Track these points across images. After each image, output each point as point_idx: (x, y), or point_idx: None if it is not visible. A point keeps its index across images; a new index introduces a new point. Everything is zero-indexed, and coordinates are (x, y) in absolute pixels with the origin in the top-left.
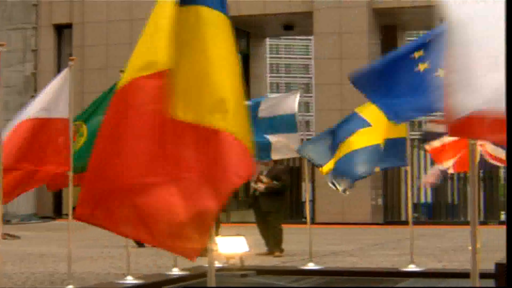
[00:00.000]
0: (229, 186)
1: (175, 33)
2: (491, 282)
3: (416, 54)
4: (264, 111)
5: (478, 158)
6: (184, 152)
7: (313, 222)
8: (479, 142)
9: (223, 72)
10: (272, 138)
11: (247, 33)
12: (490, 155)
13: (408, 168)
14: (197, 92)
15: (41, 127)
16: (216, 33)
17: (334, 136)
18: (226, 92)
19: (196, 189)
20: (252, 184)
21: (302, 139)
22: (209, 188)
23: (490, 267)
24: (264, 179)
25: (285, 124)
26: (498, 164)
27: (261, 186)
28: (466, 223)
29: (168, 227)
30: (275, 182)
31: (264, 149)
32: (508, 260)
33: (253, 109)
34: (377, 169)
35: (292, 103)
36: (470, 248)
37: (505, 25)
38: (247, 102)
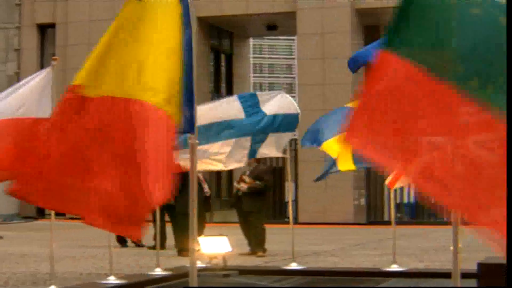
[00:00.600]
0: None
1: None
2: (473, 282)
3: None
4: (267, 109)
5: None
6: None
7: (295, 222)
8: None
9: (159, 56)
10: (270, 136)
11: (230, 33)
12: None
13: None
14: (134, 73)
15: (25, 127)
16: (161, 18)
17: (328, 125)
18: (161, 74)
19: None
20: (235, 184)
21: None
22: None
23: (473, 267)
24: (247, 179)
25: (288, 122)
26: None
27: (243, 186)
28: (449, 223)
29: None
30: (257, 182)
31: (252, 149)
32: (508, 260)
33: (254, 104)
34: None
35: (291, 102)
36: (452, 248)
37: (506, 25)
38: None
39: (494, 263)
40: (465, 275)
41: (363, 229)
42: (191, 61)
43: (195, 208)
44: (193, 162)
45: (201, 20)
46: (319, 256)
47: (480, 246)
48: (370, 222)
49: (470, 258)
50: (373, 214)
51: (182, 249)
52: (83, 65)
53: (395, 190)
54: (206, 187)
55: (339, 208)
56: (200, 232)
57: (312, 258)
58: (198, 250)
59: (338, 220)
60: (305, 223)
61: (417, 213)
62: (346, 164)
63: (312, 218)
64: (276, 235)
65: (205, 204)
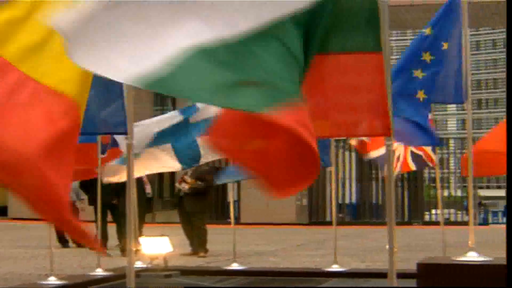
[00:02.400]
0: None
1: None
2: (413, 282)
3: None
4: (195, 117)
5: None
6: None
7: (238, 222)
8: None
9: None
10: (200, 140)
11: None
12: (426, 154)
13: (333, 168)
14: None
15: None
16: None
17: None
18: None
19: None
20: (177, 185)
21: None
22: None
23: (413, 267)
24: (188, 179)
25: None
26: (429, 163)
27: (185, 187)
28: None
29: None
30: (199, 182)
31: (193, 156)
32: (508, 260)
33: (186, 116)
34: None
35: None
36: (388, 247)
37: (506, 25)
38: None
39: (433, 263)
40: (405, 275)
41: (305, 229)
42: None
43: (134, 208)
44: (130, 161)
45: None
46: (261, 256)
47: (421, 246)
48: (312, 223)
49: (411, 258)
50: (315, 215)
51: (125, 249)
52: None
53: (337, 191)
54: (148, 188)
55: (281, 208)
56: (139, 232)
57: (254, 259)
58: (139, 250)
59: (280, 220)
60: (248, 224)
61: (359, 213)
62: None
63: (254, 218)
64: (218, 236)
65: (146, 205)
